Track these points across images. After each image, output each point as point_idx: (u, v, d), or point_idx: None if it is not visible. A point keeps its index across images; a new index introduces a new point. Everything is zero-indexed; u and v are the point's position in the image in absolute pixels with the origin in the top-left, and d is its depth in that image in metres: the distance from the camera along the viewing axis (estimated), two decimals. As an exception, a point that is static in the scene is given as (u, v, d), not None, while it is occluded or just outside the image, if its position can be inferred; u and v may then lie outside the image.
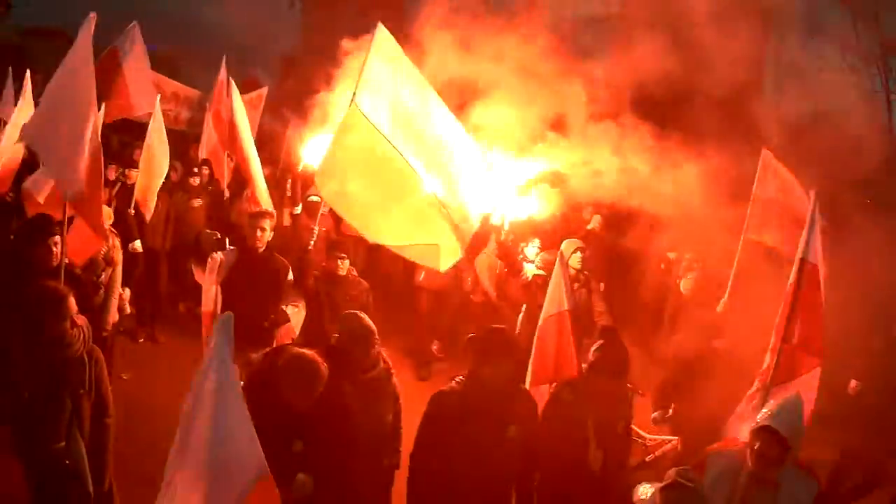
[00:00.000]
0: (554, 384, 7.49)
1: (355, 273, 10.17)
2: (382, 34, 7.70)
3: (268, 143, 18.04)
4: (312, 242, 9.86)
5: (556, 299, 7.51)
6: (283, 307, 9.19)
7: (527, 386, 7.37)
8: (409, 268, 12.70)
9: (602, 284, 11.62)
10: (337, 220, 12.16)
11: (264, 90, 19.43)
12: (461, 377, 6.39)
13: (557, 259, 7.71)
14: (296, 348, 6.01)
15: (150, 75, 16.07)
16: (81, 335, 6.55)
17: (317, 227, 10.47)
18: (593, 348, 6.93)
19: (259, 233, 9.24)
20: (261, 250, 9.30)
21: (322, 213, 11.35)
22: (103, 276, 9.82)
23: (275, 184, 14.93)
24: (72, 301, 6.46)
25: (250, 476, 3.95)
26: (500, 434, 6.16)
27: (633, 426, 8.99)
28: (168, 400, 6.92)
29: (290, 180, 14.91)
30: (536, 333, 7.73)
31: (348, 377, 6.55)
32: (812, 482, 5.79)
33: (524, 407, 6.46)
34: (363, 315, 7.10)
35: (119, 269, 10.07)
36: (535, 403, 6.68)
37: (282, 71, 29.96)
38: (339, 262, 9.79)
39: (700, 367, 7.82)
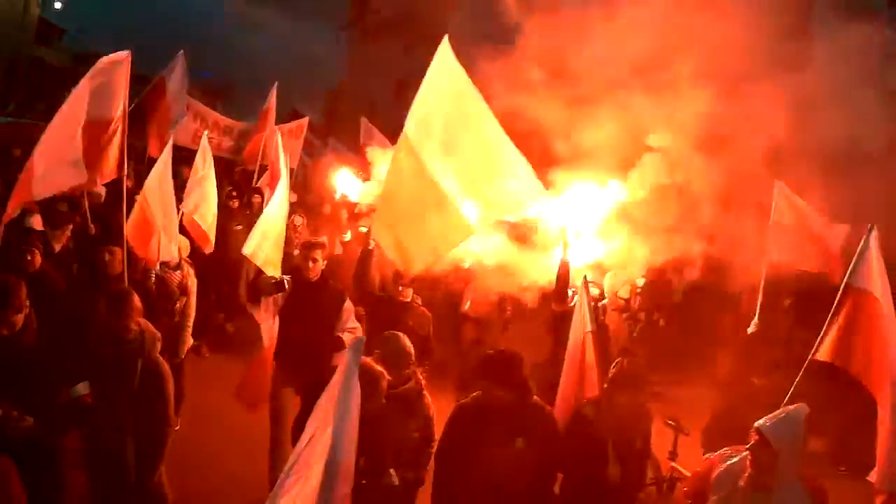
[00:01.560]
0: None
1: (419, 302, 10.04)
2: (445, 49, 8.00)
3: (312, 173, 17.94)
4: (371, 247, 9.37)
5: (580, 321, 7.46)
6: (340, 334, 8.96)
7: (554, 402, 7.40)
8: (453, 296, 12.32)
9: (662, 320, 11.25)
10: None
11: (305, 120, 19.51)
12: (478, 392, 6.60)
13: (581, 283, 7.66)
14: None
15: (192, 105, 16.03)
16: (138, 342, 6.96)
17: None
18: (612, 366, 7.13)
19: (311, 263, 9.06)
20: (314, 279, 9.10)
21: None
22: (178, 305, 9.91)
23: (317, 212, 14.81)
24: (135, 301, 7.02)
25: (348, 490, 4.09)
26: (509, 445, 6.34)
27: (675, 464, 9.23)
28: (207, 410, 6.74)
29: (329, 207, 14.93)
30: (567, 354, 7.66)
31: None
32: (807, 498, 5.71)
33: (535, 421, 6.55)
34: (404, 337, 7.24)
35: (193, 298, 10.20)
36: (550, 417, 6.78)
37: (326, 103, 29.96)
38: (402, 289, 9.68)
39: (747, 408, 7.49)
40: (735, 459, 5.84)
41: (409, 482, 7.13)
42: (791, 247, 10.48)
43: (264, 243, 8.89)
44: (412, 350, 7.19)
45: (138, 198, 9.43)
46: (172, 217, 9.76)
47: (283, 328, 8.88)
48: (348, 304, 9.19)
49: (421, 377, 7.38)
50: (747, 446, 5.65)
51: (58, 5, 51.16)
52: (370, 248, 8.97)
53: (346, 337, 8.90)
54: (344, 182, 14.16)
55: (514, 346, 8.50)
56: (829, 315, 6.92)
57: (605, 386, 7.03)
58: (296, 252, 10.37)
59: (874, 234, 6.89)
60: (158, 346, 7.14)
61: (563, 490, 6.98)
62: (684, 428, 9.65)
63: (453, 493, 6.59)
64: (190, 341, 10.19)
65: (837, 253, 10.74)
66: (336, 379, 4.13)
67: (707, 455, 8.21)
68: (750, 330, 9.50)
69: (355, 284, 9.26)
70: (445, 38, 8.06)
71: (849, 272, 6.93)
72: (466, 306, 12.10)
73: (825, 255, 10.88)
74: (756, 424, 5.61)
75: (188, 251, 10.55)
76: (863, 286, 6.84)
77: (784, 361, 8.65)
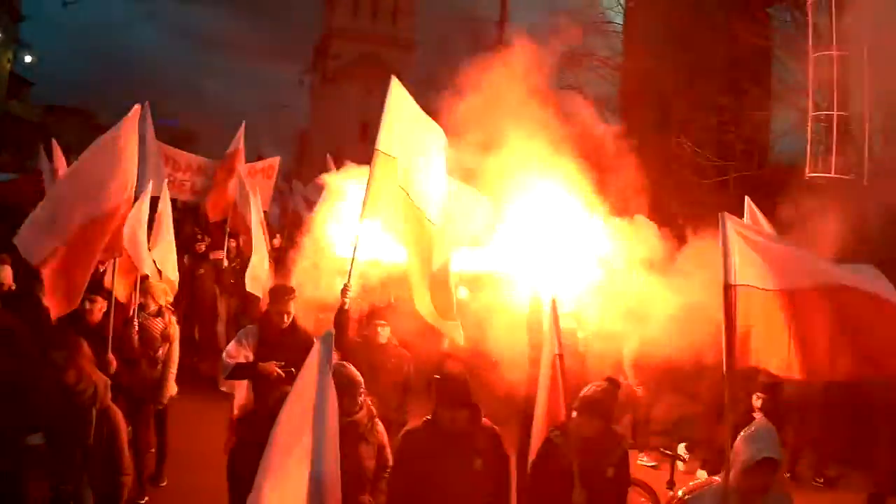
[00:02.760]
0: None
1: (395, 342, 9.56)
2: (397, 89, 8.12)
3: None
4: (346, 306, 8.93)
5: (548, 344, 7.25)
6: None
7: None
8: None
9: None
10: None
11: (276, 160, 19.18)
12: (428, 416, 6.57)
13: (550, 306, 7.37)
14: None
15: (162, 148, 15.71)
16: (90, 391, 6.53)
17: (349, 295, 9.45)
18: (582, 392, 6.85)
19: (286, 317, 8.62)
20: (284, 326, 8.61)
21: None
22: (161, 352, 9.66)
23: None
24: (83, 352, 6.58)
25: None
26: (468, 467, 6.35)
27: (678, 494, 8.52)
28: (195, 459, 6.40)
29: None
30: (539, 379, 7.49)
31: None
32: (788, 499, 5.80)
33: (487, 442, 6.59)
34: (348, 365, 7.00)
35: (176, 344, 9.91)
36: (499, 438, 6.79)
37: (296, 145, 29.82)
38: (380, 329, 9.21)
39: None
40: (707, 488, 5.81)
41: None
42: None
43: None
44: (360, 379, 6.95)
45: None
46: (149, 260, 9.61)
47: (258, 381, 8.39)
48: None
49: (371, 405, 7.14)
50: (753, 479, 5.45)
51: (28, 59, 50.86)
52: (344, 305, 8.42)
53: None
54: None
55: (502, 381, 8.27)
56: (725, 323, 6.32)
57: (572, 412, 6.77)
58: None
59: (729, 224, 6.36)
60: (109, 394, 6.75)
61: None
62: (681, 456, 9.26)
63: None
64: (174, 388, 9.79)
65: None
66: (306, 380, 3.89)
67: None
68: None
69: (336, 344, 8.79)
70: (394, 79, 8.18)
71: (723, 273, 6.35)
72: (446, 344, 11.63)
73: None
74: (759, 455, 5.42)
75: (171, 298, 10.31)
76: (743, 282, 6.36)
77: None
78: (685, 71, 19.67)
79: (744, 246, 6.34)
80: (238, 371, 8.32)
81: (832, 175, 16.85)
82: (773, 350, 6.46)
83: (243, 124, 16.30)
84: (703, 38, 21.05)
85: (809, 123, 17.65)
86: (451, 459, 6.30)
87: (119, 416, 6.78)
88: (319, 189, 19.78)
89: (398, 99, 8.22)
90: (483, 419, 6.67)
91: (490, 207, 8.53)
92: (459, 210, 8.48)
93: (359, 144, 24.31)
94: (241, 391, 8.80)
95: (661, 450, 9.43)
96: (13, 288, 10.04)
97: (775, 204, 10.72)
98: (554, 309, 7.30)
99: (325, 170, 19.70)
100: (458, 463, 6.33)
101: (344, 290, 8.20)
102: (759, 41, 23.12)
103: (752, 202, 10.11)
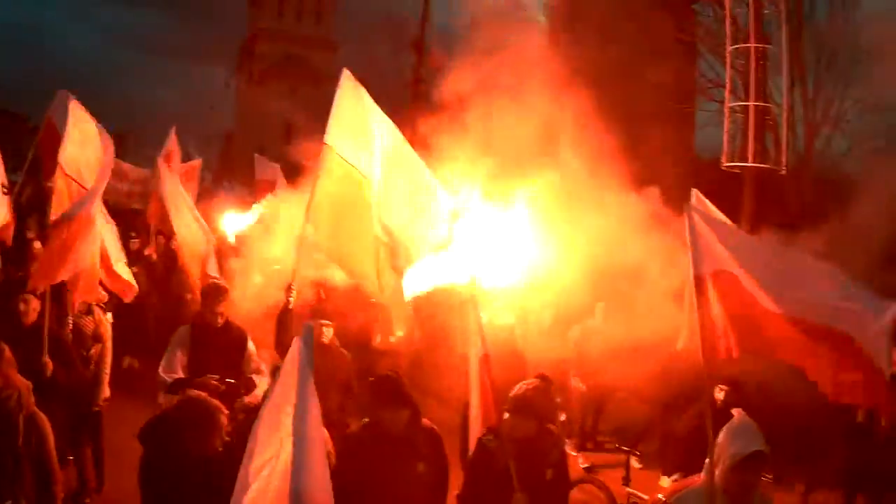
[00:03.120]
0: None
1: (337, 343, 9.42)
2: (349, 81, 7.91)
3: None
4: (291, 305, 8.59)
5: (473, 345, 7.08)
6: (251, 375, 8.33)
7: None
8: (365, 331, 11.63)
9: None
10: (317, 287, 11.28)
11: (198, 162, 19.13)
12: (366, 419, 6.37)
13: (469, 303, 7.17)
14: (193, 391, 5.77)
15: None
16: (14, 396, 6.15)
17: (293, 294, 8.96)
18: (512, 392, 6.51)
19: (219, 317, 8.40)
20: (217, 325, 8.39)
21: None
22: (93, 351, 9.31)
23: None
24: (5, 357, 6.18)
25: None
26: (410, 471, 6.13)
27: (630, 489, 8.93)
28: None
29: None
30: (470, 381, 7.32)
31: None
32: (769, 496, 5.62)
33: (429, 443, 6.39)
34: None
35: (109, 344, 9.57)
36: (440, 439, 6.58)
37: (222, 146, 29.37)
38: (324, 329, 9.06)
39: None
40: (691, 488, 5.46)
41: None
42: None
43: None
44: None
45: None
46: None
47: (191, 375, 8.06)
48: (251, 345, 8.57)
49: None
50: (744, 476, 5.18)
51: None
52: (289, 305, 8.13)
53: (256, 378, 8.26)
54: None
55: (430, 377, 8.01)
56: (699, 315, 6.18)
57: (504, 413, 6.51)
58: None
59: (694, 214, 6.29)
60: (32, 398, 6.35)
61: None
62: (634, 451, 9.44)
63: None
64: (107, 391, 9.45)
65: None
66: (284, 384, 3.61)
67: (671, 480, 8.17)
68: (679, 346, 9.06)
69: (276, 343, 8.48)
70: (345, 72, 7.99)
71: (690, 263, 6.23)
72: (377, 340, 11.42)
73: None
74: (747, 450, 5.14)
75: (105, 297, 9.94)
76: (715, 269, 6.21)
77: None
78: (610, 66, 19.68)
79: (710, 234, 6.21)
80: (176, 387, 7.96)
81: (749, 164, 17.47)
82: (746, 333, 6.23)
83: (174, 127, 15.90)
84: (628, 34, 21.10)
85: (727, 114, 18.27)
86: (392, 463, 6.06)
87: (45, 421, 6.38)
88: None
89: (350, 92, 8.01)
90: (424, 421, 6.46)
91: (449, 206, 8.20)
92: (420, 213, 8.17)
93: (283, 145, 23.91)
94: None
95: (617, 445, 9.28)
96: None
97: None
98: (475, 307, 7.08)
99: (252, 171, 19.44)
100: (400, 467, 6.10)
101: (288, 289, 8.00)
102: (684, 36, 23.43)
103: (699, 193, 10.06)
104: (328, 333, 9.13)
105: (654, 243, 8.77)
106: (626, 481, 9.33)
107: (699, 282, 6.11)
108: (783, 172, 18.29)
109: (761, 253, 6.40)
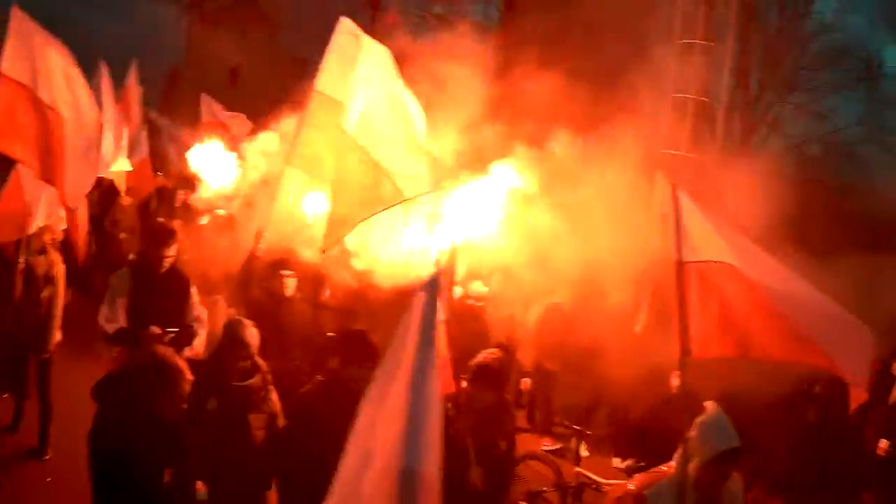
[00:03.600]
0: None
1: (300, 296, 9.02)
2: (347, 27, 7.73)
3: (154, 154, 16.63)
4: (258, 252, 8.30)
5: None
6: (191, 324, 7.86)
7: None
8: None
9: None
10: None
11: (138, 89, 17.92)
12: (319, 377, 6.15)
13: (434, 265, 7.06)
14: (160, 348, 5.48)
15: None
16: None
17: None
18: (473, 360, 6.47)
19: (165, 261, 7.85)
20: (161, 269, 7.84)
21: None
22: (45, 294, 8.68)
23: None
24: None
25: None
26: None
27: (580, 469, 8.75)
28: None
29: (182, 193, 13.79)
30: None
31: (219, 385, 6.10)
32: (738, 477, 5.35)
33: None
34: (247, 324, 6.39)
35: (61, 286, 8.90)
36: None
37: (166, 82, 28.55)
38: (286, 280, 8.62)
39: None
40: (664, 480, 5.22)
41: (255, 482, 6.39)
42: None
43: None
44: (254, 340, 6.31)
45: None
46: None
47: (131, 323, 7.60)
48: (194, 291, 8.09)
49: (267, 371, 6.47)
50: (720, 470, 5.05)
51: None
52: (255, 252, 7.94)
53: (196, 326, 7.84)
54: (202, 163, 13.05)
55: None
56: (678, 304, 5.92)
57: (464, 382, 6.45)
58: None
59: (681, 195, 6.05)
60: None
61: None
62: (584, 431, 9.33)
63: (303, 483, 5.79)
64: (58, 335, 8.84)
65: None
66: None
67: (625, 464, 8.19)
68: (637, 329, 8.98)
69: (238, 292, 8.11)
70: (343, 19, 7.81)
71: (675, 250, 5.97)
72: (326, 294, 11.04)
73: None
74: (724, 445, 5.03)
75: (60, 236, 9.29)
76: (703, 257, 5.99)
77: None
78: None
79: (698, 218, 5.98)
80: (117, 337, 7.58)
81: (683, 153, 17.99)
82: (725, 331, 6.04)
83: (133, 62, 15.31)
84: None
85: (671, 104, 18.67)
86: (346, 424, 5.69)
87: None
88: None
89: (346, 40, 7.78)
90: None
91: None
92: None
93: (228, 89, 23.32)
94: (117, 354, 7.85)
95: (566, 423, 9.18)
96: None
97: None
98: (449, 270, 7.08)
99: (197, 111, 18.86)
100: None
101: (258, 236, 7.70)
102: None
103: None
104: (290, 285, 8.73)
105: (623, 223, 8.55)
106: (577, 460, 9.24)
107: (680, 268, 5.87)
108: (712, 162, 18.67)
109: (751, 247, 6.15)
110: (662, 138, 18.25)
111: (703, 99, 18.72)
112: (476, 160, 8.58)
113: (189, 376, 5.29)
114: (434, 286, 3.12)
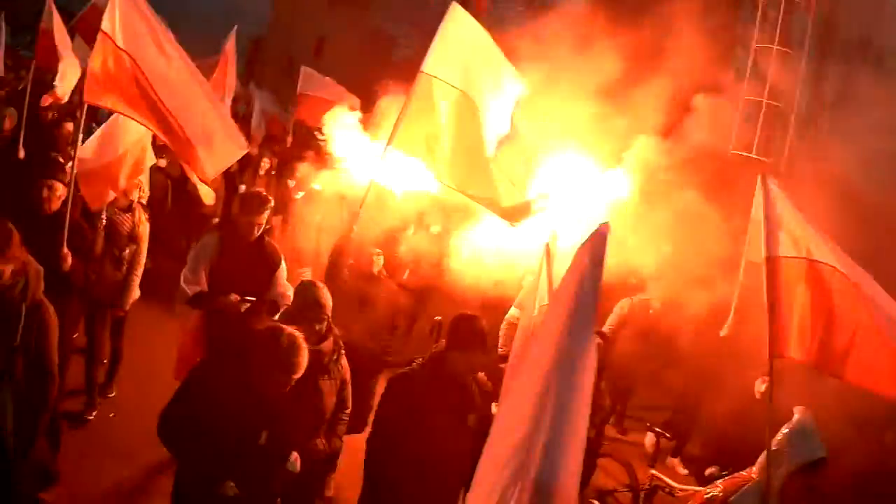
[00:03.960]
0: None
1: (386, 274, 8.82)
2: (460, 14, 7.45)
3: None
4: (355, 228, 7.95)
5: (543, 291, 6.31)
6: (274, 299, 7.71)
7: None
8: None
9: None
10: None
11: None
12: (420, 360, 5.93)
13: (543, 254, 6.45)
14: (276, 322, 5.25)
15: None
16: (20, 285, 5.49)
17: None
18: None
19: (256, 228, 7.70)
20: (251, 238, 7.70)
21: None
22: (126, 252, 8.57)
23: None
24: (14, 242, 5.43)
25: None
26: (461, 421, 5.74)
27: (655, 472, 8.44)
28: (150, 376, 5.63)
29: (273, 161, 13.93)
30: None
31: None
32: None
33: (483, 397, 5.96)
34: (321, 286, 6.28)
35: (144, 245, 8.80)
36: (492, 395, 6.05)
37: (250, 51, 28.60)
38: (374, 258, 8.43)
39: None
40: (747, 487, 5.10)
41: (319, 452, 6.25)
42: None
43: None
44: (328, 302, 6.16)
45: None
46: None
47: (212, 288, 7.51)
48: (283, 268, 7.91)
49: (339, 336, 6.37)
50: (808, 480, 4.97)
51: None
52: (349, 232, 7.72)
53: (280, 301, 7.64)
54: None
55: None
56: (769, 307, 5.66)
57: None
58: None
59: (772, 186, 5.80)
60: (42, 284, 5.67)
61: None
62: (666, 434, 9.06)
63: (389, 473, 5.76)
64: (137, 293, 8.74)
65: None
66: (547, 349, 2.65)
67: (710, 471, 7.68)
68: (723, 332, 8.73)
69: (327, 279, 7.97)
70: (455, 5, 7.44)
71: (765, 244, 5.69)
72: (405, 275, 10.90)
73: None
74: (816, 454, 4.98)
75: (146, 193, 9.19)
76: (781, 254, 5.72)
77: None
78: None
79: (790, 212, 5.72)
80: (196, 301, 7.49)
81: (751, 155, 18.09)
82: (811, 333, 5.78)
83: (234, 29, 15.20)
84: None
85: (740, 105, 18.62)
86: (446, 410, 5.67)
87: (51, 314, 5.71)
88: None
89: (459, 25, 7.50)
90: (480, 374, 6.07)
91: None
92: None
93: (312, 61, 23.24)
94: (193, 316, 7.78)
95: (647, 424, 8.99)
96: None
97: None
98: (548, 256, 6.36)
99: (280, 80, 18.78)
100: (453, 415, 5.72)
101: (354, 217, 7.53)
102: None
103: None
104: (378, 263, 8.54)
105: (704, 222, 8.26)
106: (652, 462, 9.00)
107: (772, 263, 5.65)
108: (780, 168, 18.54)
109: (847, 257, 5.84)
110: (733, 140, 18.28)
111: (776, 104, 18.84)
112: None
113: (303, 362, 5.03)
114: (601, 248, 2.64)
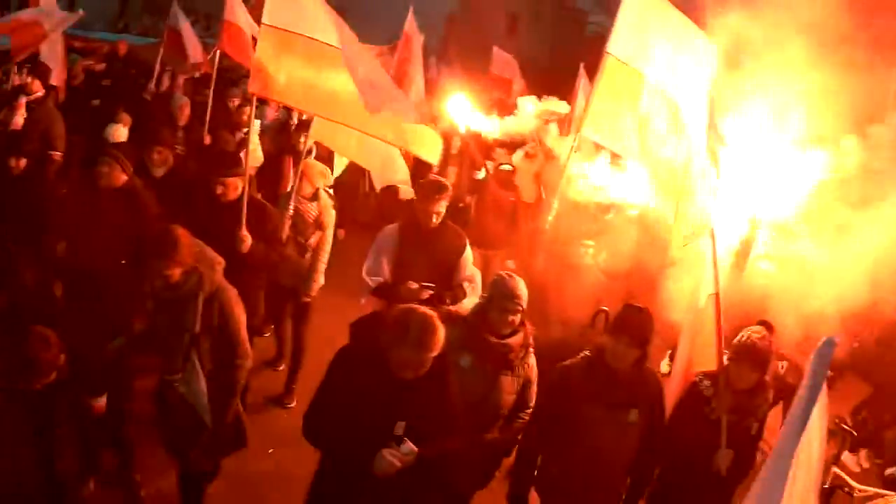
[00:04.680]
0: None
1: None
2: None
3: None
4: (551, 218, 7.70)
5: (709, 279, 6.40)
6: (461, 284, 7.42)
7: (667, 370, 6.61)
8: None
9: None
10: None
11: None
12: (587, 352, 5.69)
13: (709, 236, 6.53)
14: (421, 308, 4.85)
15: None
16: (191, 280, 5.64)
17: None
18: (736, 339, 5.91)
19: (435, 217, 7.30)
20: (431, 226, 7.33)
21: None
22: (312, 240, 8.63)
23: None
24: (181, 247, 5.54)
25: None
26: (622, 416, 5.55)
27: (837, 470, 7.93)
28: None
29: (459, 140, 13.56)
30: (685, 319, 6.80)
31: (476, 340, 5.76)
32: None
33: (650, 391, 5.73)
34: (517, 277, 5.92)
35: (329, 232, 8.82)
36: (661, 388, 5.92)
37: (445, 28, 28.59)
38: (584, 250, 8.13)
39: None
40: None
41: (486, 451, 6.05)
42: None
43: None
44: (524, 293, 5.81)
45: None
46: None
47: (396, 279, 7.23)
48: (468, 253, 7.53)
49: (531, 333, 5.98)
50: None
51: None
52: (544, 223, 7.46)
53: (467, 287, 7.33)
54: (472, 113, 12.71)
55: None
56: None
57: (726, 360, 5.94)
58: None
59: None
60: (220, 269, 5.79)
61: (661, 471, 6.04)
62: (852, 432, 8.41)
63: (546, 464, 5.77)
64: (321, 281, 8.71)
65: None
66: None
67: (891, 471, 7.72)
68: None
69: (526, 258, 7.67)
70: None
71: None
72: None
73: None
74: None
75: (330, 181, 9.18)
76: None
77: None
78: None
79: None
80: (379, 291, 7.25)
81: None
82: None
83: (411, 10, 14.97)
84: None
85: None
86: (605, 404, 5.48)
87: (232, 298, 5.82)
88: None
89: (639, 2, 7.12)
90: (648, 366, 5.77)
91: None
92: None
93: (504, 40, 22.77)
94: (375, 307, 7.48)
95: (836, 422, 8.20)
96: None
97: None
98: (713, 239, 6.39)
99: (474, 59, 18.48)
100: (613, 409, 5.51)
101: (548, 206, 7.36)
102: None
103: None
104: (588, 255, 8.29)
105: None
106: (836, 460, 8.30)
107: None
108: None
109: None
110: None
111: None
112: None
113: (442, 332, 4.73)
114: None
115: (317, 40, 7.34)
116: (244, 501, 7.06)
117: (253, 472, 7.19)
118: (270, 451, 7.69)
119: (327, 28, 7.34)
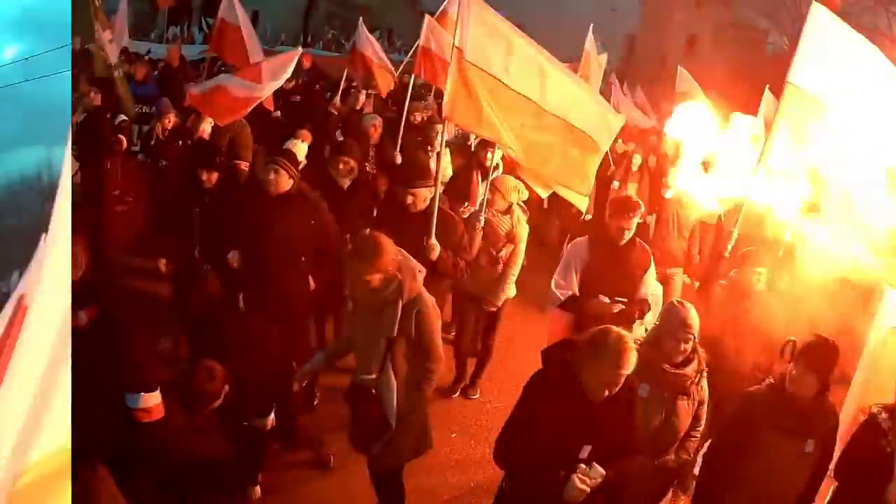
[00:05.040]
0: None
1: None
2: (819, 12, 6.82)
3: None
4: (730, 247, 7.61)
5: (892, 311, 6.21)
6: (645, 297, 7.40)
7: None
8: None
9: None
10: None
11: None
12: (771, 379, 5.63)
13: None
14: (615, 329, 4.79)
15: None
16: (392, 286, 5.72)
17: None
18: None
19: (626, 233, 7.36)
20: (620, 242, 7.38)
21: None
22: (504, 252, 8.65)
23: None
24: (384, 254, 5.61)
25: None
26: (800, 445, 5.41)
27: None
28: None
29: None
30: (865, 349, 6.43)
31: (652, 370, 5.62)
32: None
33: (828, 424, 5.55)
34: (689, 305, 5.82)
35: (522, 245, 8.81)
36: (837, 419, 5.68)
37: (625, 48, 28.50)
38: (755, 276, 7.40)
39: None
40: None
41: (670, 469, 6.04)
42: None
43: None
44: (695, 322, 5.72)
45: None
46: None
47: (584, 293, 7.29)
48: (652, 269, 7.54)
49: (705, 358, 5.91)
50: None
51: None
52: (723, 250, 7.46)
53: (651, 300, 7.34)
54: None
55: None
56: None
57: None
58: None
59: None
60: (420, 278, 5.89)
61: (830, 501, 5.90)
62: None
63: (721, 488, 5.64)
64: (510, 293, 8.73)
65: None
66: None
67: None
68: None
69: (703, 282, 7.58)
70: (815, 4, 6.86)
71: None
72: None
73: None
74: None
75: (525, 195, 9.01)
76: None
77: None
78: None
79: None
80: (566, 305, 7.29)
81: None
82: None
83: (591, 27, 14.94)
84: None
85: None
86: (784, 433, 5.37)
87: (428, 303, 5.93)
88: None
89: (820, 28, 6.90)
90: (828, 399, 5.57)
91: None
92: None
93: (684, 58, 22.40)
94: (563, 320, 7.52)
95: None
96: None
97: None
98: None
99: (653, 77, 18.31)
100: (791, 440, 5.39)
101: (728, 235, 7.37)
102: None
103: None
104: (762, 280, 7.40)
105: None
106: None
107: None
108: None
109: None
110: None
111: None
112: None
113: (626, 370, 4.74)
114: None
115: (512, 90, 7.38)
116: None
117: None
118: (453, 434, 7.97)
119: (525, 73, 7.43)
